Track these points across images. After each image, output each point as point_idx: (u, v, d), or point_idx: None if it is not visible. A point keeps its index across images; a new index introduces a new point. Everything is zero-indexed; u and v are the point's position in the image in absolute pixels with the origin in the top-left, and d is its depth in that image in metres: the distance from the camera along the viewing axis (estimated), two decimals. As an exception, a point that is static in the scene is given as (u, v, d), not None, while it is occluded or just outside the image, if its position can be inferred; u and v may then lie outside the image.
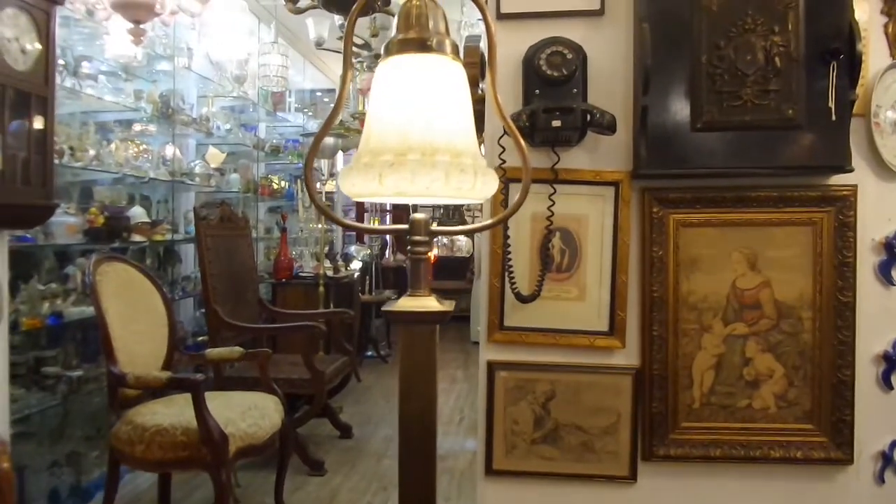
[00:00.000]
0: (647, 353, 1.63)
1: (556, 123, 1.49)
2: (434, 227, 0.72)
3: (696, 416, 1.64)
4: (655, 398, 1.63)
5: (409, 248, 0.67)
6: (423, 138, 0.92)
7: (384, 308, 0.60)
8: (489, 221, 0.65)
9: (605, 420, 1.66)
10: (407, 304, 0.57)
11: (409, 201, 0.74)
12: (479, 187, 0.65)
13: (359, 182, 0.64)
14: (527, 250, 1.65)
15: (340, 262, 5.92)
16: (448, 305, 0.56)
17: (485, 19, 1.13)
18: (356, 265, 6.24)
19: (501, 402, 1.67)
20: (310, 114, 6.67)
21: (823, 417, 1.61)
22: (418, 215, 0.67)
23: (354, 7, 1.00)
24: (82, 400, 3.03)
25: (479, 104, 1.37)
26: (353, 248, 7.17)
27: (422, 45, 1.02)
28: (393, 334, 7.50)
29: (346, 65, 1.05)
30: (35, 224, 2.46)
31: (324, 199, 5.34)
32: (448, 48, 1.04)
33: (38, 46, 2.07)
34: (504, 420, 1.67)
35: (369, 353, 6.49)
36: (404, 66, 1.05)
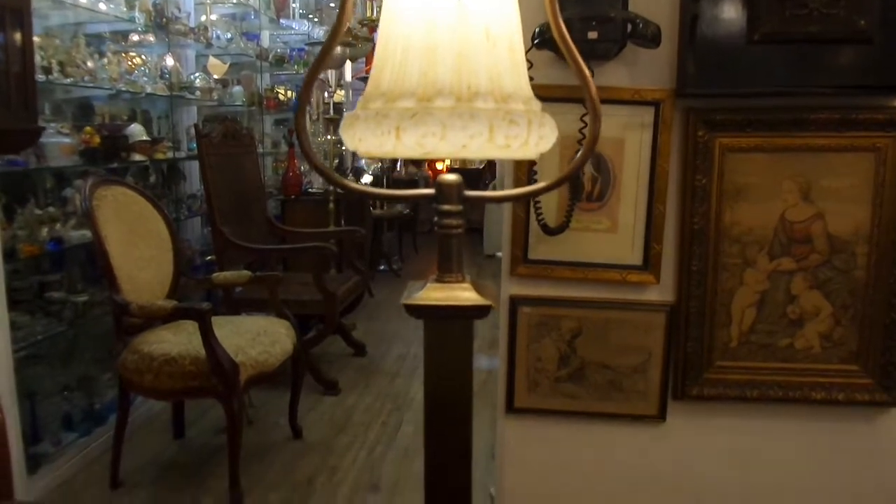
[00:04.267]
0: (683, 289, 1.50)
1: (593, 35, 1.30)
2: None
3: (733, 354, 1.53)
4: (691, 336, 1.52)
5: (435, 219, 0.52)
6: (458, 76, 0.67)
7: (403, 301, 0.46)
8: (542, 185, 0.50)
9: (634, 358, 1.56)
10: (434, 294, 0.43)
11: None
12: (533, 142, 0.48)
13: (368, 136, 0.47)
14: (554, 177, 1.49)
15: (351, 177, 5.76)
16: (489, 294, 0.43)
17: None
18: (367, 179, 6.08)
19: (524, 339, 1.57)
20: (315, 20, 6.32)
21: (871, 359, 1.51)
22: (448, 177, 0.51)
23: None
24: (90, 324, 2.97)
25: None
26: (363, 162, 6.99)
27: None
28: (405, 247, 7.43)
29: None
30: (19, 149, 2.31)
31: (331, 111, 5.10)
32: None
33: (9, -51, 1.85)
34: (527, 357, 1.58)
35: (382, 267, 6.43)
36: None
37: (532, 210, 1.47)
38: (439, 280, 0.45)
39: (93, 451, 2.75)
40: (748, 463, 1.58)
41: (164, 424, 2.99)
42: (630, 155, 1.47)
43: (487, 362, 3.81)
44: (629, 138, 1.46)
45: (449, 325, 0.45)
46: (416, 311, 0.45)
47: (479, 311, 0.44)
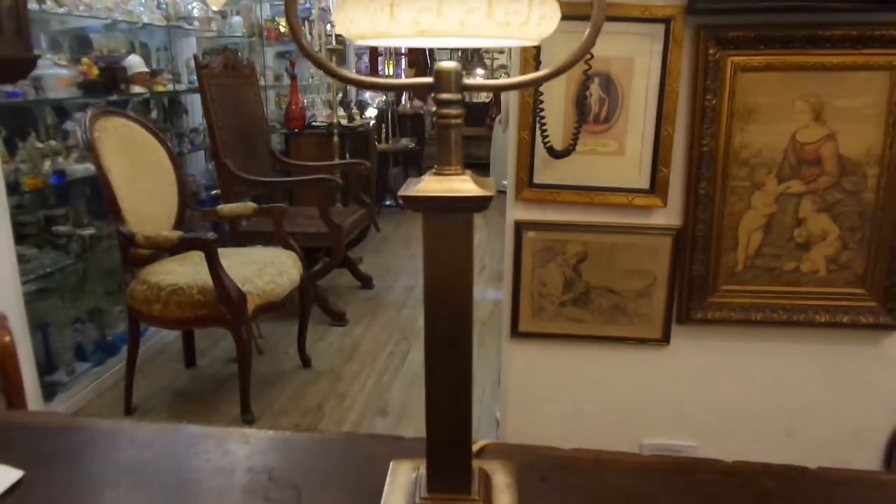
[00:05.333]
0: (690, 213, 1.49)
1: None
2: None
3: (739, 278, 1.53)
4: (696, 260, 1.52)
5: (434, 109, 0.51)
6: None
7: (400, 193, 0.45)
8: (545, 72, 0.48)
9: (639, 282, 1.56)
10: (433, 186, 0.42)
11: (436, 44, 0.55)
12: (535, 21, 0.46)
13: (360, 16, 0.44)
14: (561, 99, 1.46)
15: (355, 110, 5.68)
16: (489, 186, 0.42)
17: None
18: (371, 113, 6.00)
19: (529, 264, 1.57)
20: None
21: (876, 282, 1.50)
22: (447, 64, 0.49)
23: None
24: (98, 257, 2.99)
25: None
26: (367, 95, 6.88)
27: None
28: (410, 183, 7.37)
29: None
30: (15, 79, 2.26)
31: (333, 42, 4.98)
32: None
33: None
34: (532, 282, 1.58)
35: (387, 202, 6.41)
36: None
37: (538, 132, 1.44)
38: (438, 173, 0.44)
39: (106, 380, 2.82)
40: (751, 385, 1.60)
41: (176, 355, 3.04)
42: (639, 75, 1.44)
43: (495, 294, 3.85)
44: (638, 57, 1.42)
45: (449, 219, 0.44)
46: (415, 202, 0.44)
47: (480, 203, 0.44)
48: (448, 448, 0.51)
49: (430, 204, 0.44)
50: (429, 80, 0.49)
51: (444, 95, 0.49)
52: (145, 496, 0.58)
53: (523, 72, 1.45)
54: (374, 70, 7.69)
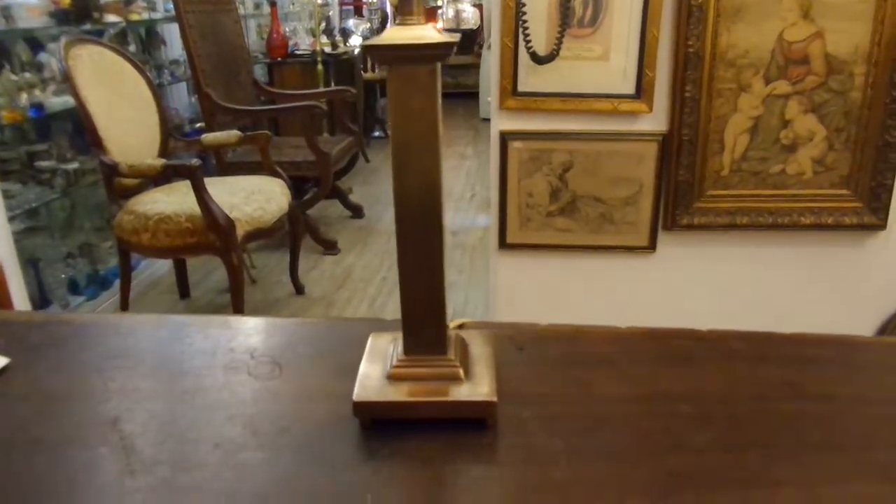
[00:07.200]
0: (676, 117, 1.48)
1: None
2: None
3: (725, 183, 1.53)
4: (682, 165, 1.51)
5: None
6: None
7: (363, 42, 0.44)
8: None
9: (625, 190, 1.56)
10: (395, 35, 0.41)
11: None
12: None
13: None
14: (544, 3, 1.42)
15: (339, 38, 5.54)
16: (452, 37, 0.41)
17: None
18: (356, 41, 5.85)
19: (515, 175, 1.56)
20: None
21: (861, 182, 1.50)
22: None
23: None
24: (84, 192, 2.96)
25: None
26: (351, 23, 6.70)
27: None
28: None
29: None
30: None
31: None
32: None
33: None
34: (518, 193, 1.58)
35: (376, 133, 6.33)
36: None
37: (521, 38, 1.41)
38: (402, 23, 0.43)
39: (100, 312, 2.84)
40: (737, 289, 1.62)
41: (170, 287, 3.06)
42: (623, -26, 1.40)
43: (485, 220, 3.85)
44: (622, -45, 1.38)
45: (414, 70, 0.43)
46: (380, 52, 0.44)
47: (444, 49, 0.43)
48: (423, 313, 0.52)
49: (391, 53, 0.43)
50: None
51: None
52: (129, 377, 0.59)
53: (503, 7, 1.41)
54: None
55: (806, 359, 0.57)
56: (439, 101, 0.45)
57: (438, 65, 0.43)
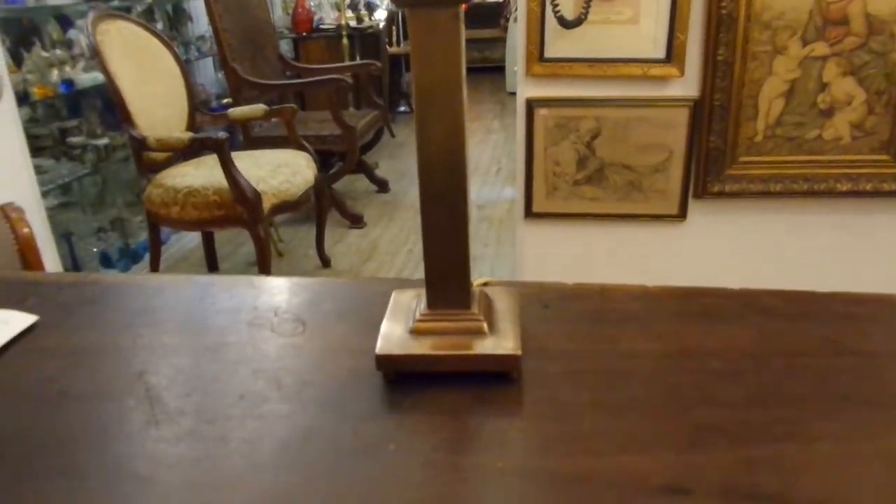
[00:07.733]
0: (708, 82, 1.44)
1: None
2: None
3: (758, 149, 1.49)
4: (714, 131, 1.47)
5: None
6: None
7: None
8: None
9: (655, 157, 1.53)
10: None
11: None
12: None
13: None
14: (571, -36, 1.39)
15: (364, 12, 5.50)
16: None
17: None
18: (381, 14, 5.80)
19: (542, 143, 1.54)
20: None
21: (903, 145, 1.45)
22: None
23: None
24: (115, 168, 3.00)
25: None
26: (376, -3, 6.64)
27: None
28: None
29: None
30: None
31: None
32: None
33: None
34: (545, 161, 1.56)
35: (402, 108, 6.30)
36: None
37: (548, 2, 1.38)
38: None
39: (133, 286, 2.88)
40: (771, 259, 1.59)
41: (199, 260, 3.09)
42: (653, -68, 1.36)
43: (512, 193, 3.82)
44: (653, -88, 1.34)
45: (435, 14, 0.42)
46: (400, -4, 0.43)
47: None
48: (447, 267, 0.51)
49: (416, -4, 0.42)
50: None
51: None
52: (156, 334, 0.59)
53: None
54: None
55: (845, 315, 0.55)
56: (462, 47, 0.43)
57: (461, 9, 0.41)
